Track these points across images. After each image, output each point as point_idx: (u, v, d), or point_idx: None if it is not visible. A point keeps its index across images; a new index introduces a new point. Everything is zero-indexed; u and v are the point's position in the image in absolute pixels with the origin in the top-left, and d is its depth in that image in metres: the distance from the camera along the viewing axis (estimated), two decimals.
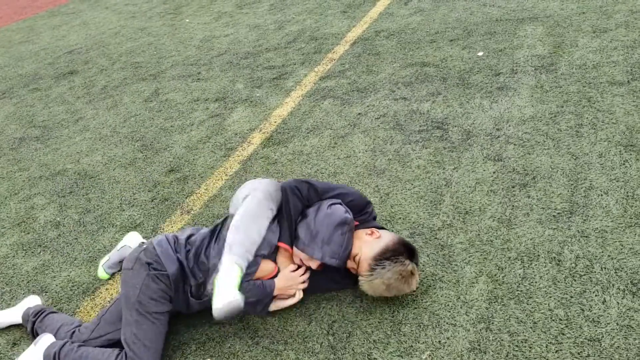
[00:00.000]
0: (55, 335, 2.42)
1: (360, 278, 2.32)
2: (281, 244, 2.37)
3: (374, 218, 2.61)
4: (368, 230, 2.40)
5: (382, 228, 2.51)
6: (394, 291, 2.29)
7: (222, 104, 4.50)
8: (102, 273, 2.86)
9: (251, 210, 2.30)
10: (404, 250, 2.30)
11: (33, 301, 2.71)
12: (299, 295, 2.40)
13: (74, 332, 2.40)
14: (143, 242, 2.43)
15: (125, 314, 2.26)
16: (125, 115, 4.65)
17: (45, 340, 2.37)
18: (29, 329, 2.55)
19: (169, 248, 2.36)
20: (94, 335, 2.35)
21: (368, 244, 2.34)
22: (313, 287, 2.47)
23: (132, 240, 2.88)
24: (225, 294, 2.08)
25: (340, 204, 2.42)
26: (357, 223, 2.49)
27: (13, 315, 2.64)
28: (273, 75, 4.85)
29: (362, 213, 2.52)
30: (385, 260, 2.26)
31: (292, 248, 2.37)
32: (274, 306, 2.40)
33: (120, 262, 2.86)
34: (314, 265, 2.36)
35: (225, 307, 2.07)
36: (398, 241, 2.34)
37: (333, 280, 2.48)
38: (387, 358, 2.16)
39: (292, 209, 2.38)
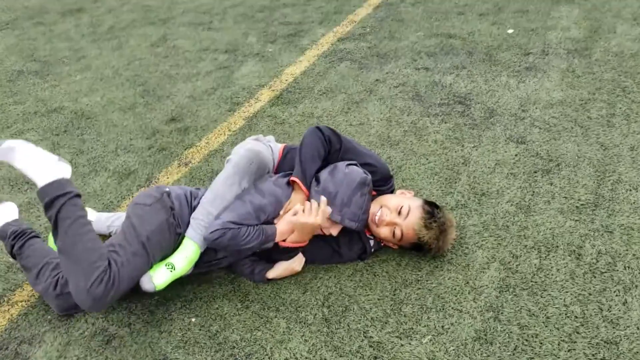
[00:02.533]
0: (37, 277, 2.19)
1: (417, 222, 2.17)
2: (295, 179, 2.17)
3: (392, 192, 2.42)
4: (397, 192, 2.37)
5: None
6: (447, 235, 2.21)
7: (232, 56, 4.27)
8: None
9: (217, 187, 2.19)
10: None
11: (10, 211, 2.46)
12: (299, 265, 2.25)
13: (58, 279, 2.17)
14: (167, 189, 2.24)
15: (126, 238, 2.04)
16: (130, 57, 4.43)
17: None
18: (7, 249, 2.34)
19: (185, 206, 2.19)
20: None
21: (410, 198, 2.29)
22: (314, 255, 2.30)
23: (91, 215, 2.58)
24: (158, 273, 2.08)
25: (356, 164, 2.25)
26: (374, 193, 2.31)
27: None
28: (289, 31, 4.60)
29: (382, 185, 2.34)
30: (436, 208, 2.23)
31: (308, 190, 2.18)
32: (273, 273, 2.23)
33: None
34: (335, 231, 2.20)
35: (145, 278, 2.06)
36: None
37: (338, 253, 2.30)
38: (385, 338, 1.99)
39: (310, 148, 2.21)
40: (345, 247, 2.29)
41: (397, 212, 2.20)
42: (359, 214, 2.16)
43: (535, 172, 2.72)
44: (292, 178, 2.18)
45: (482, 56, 3.84)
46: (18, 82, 4.20)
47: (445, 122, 3.17)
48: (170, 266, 2.09)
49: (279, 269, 2.24)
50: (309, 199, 2.18)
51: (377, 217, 2.22)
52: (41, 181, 2.01)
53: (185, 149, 3.20)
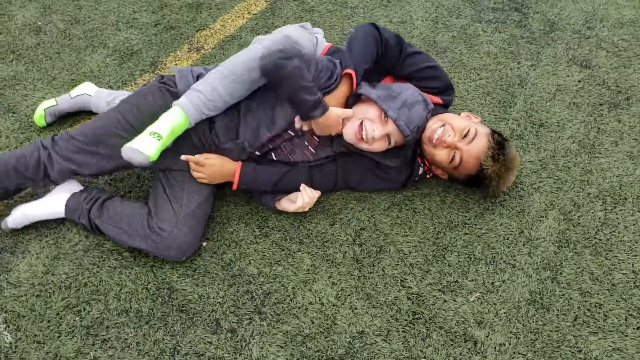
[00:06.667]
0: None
1: (483, 151, 1.82)
2: (349, 72, 1.80)
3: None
4: (462, 114, 1.98)
5: None
6: (510, 176, 1.90)
7: None
8: (39, 117, 2.23)
9: (234, 64, 1.79)
10: None
11: (71, 186, 1.95)
12: (303, 202, 1.86)
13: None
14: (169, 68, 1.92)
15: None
16: None
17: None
18: (83, 222, 1.84)
19: (189, 74, 1.87)
20: None
21: (477, 123, 1.91)
22: (349, 174, 1.95)
23: (90, 89, 2.30)
24: (144, 142, 1.69)
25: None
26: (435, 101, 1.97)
27: (53, 204, 1.89)
28: None
29: (442, 93, 1.97)
30: (505, 140, 1.89)
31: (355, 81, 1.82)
32: (279, 205, 1.90)
33: (68, 113, 2.30)
34: (379, 145, 1.81)
35: (131, 151, 1.68)
36: None
37: (378, 177, 1.95)
38: (425, 290, 1.74)
39: (362, 43, 1.83)
40: (393, 172, 1.95)
41: (462, 136, 1.83)
42: (417, 123, 1.79)
43: (602, 104, 2.36)
44: (346, 70, 1.80)
45: None
46: None
47: (500, 32, 2.74)
48: (155, 135, 1.71)
49: (286, 204, 1.90)
50: (356, 96, 1.84)
51: (436, 135, 1.84)
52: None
53: (197, 31, 2.76)
